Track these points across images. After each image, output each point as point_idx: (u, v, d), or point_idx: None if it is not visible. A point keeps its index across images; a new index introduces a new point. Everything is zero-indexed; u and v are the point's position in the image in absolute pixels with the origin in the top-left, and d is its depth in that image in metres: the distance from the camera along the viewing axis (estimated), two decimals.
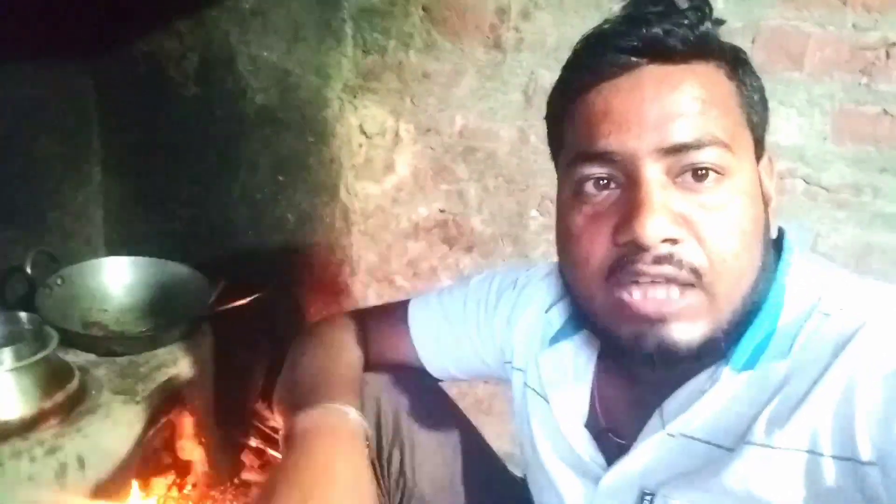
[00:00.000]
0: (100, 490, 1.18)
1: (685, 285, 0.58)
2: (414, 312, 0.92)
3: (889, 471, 0.53)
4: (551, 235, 1.38)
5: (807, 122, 1.20)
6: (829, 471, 0.56)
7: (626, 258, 0.59)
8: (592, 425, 0.73)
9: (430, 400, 0.94)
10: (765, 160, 0.66)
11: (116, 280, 1.52)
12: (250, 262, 1.66)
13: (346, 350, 0.91)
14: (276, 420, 1.54)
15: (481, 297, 0.89)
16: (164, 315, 1.46)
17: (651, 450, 0.66)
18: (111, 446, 1.19)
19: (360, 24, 1.42)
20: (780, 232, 0.68)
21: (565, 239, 0.65)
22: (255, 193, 1.63)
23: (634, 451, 0.67)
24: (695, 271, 0.58)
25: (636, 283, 0.59)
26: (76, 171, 1.70)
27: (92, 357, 1.31)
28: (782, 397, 0.60)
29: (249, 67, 1.54)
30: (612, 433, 0.72)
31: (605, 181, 0.61)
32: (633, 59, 0.60)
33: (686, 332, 0.58)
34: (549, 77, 1.28)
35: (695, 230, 0.58)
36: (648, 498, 0.66)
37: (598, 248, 0.61)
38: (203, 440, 1.41)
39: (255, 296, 1.43)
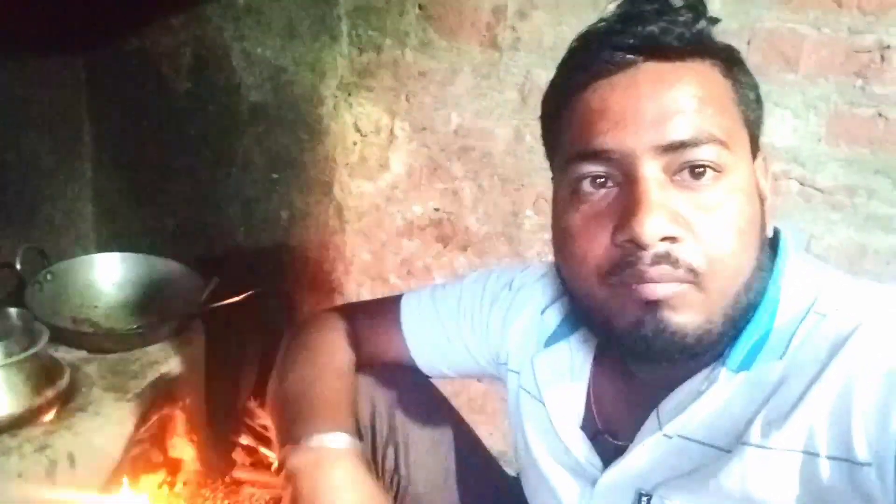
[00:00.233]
0: (90, 488, 1.17)
1: (682, 281, 0.58)
2: (406, 310, 0.92)
3: (884, 471, 0.53)
4: (546, 235, 1.38)
5: (802, 124, 1.21)
6: (825, 471, 0.56)
7: (625, 258, 0.59)
8: (588, 427, 0.73)
9: (425, 399, 0.94)
10: (760, 159, 0.66)
11: (107, 276, 1.51)
12: (243, 259, 1.65)
13: (336, 354, 0.90)
14: (268, 421, 1.55)
15: (475, 296, 0.88)
16: (155, 312, 1.45)
17: (648, 451, 0.66)
18: (102, 444, 1.18)
19: (356, 21, 1.42)
20: (776, 232, 0.68)
21: (563, 238, 0.65)
22: (249, 190, 1.62)
23: (631, 452, 0.67)
24: (692, 271, 0.58)
25: (636, 281, 0.59)
26: (67, 166, 1.69)
27: (82, 354, 1.30)
28: (778, 398, 0.60)
29: (243, 64, 1.53)
30: (608, 434, 0.72)
31: (603, 180, 0.61)
32: (630, 56, 0.60)
33: (680, 320, 0.59)
34: (545, 76, 1.28)
35: (692, 229, 0.58)
36: (645, 499, 0.66)
37: (596, 248, 0.61)
38: (194, 438, 1.41)
39: (248, 293, 1.42)
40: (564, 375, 0.76)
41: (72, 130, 1.69)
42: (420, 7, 1.37)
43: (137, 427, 1.24)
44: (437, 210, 1.49)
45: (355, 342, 0.92)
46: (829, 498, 0.56)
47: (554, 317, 0.79)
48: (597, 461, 0.71)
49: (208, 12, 1.52)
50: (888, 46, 1.13)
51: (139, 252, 1.54)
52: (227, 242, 1.67)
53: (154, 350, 1.34)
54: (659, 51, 0.60)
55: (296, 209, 1.60)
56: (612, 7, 0.63)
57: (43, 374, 1.15)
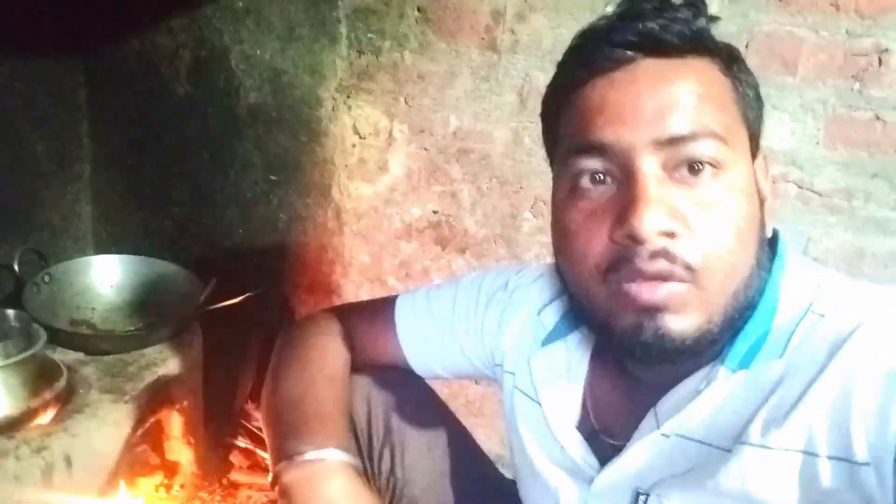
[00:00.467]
0: (87, 490, 1.17)
1: (679, 280, 0.58)
2: (400, 311, 0.92)
3: (883, 472, 0.53)
4: (544, 237, 1.38)
5: (800, 127, 1.21)
6: (824, 471, 0.56)
7: (624, 254, 0.59)
8: (584, 427, 0.73)
9: (421, 401, 0.94)
10: (760, 159, 0.66)
11: (105, 278, 1.51)
12: (241, 261, 1.65)
13: (329, 359, 0.89)
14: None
15: (471, 297, 0.88)
16: (153, 314, 1.45)
17: (646, 450, 0.66)
18: (99, 446, 1.18)
19: (355, 23, 1.42)
20: (775, 233, 0.68)
21: (562, 236, 0.65)
22: (247, 192, 1.62)
23: (628, 451, 0.67)
24: (688, 267, 0.58)
25: (634, 279, 0.59)
26: (66, 168, 1.69)
27: (80, 356, 1.30)
28: (778, 397, 0.60)
29: (242, 66, 1.53)
30: (605, 434, 0.72)
31: (601, 175, 0.61)
32: (629, 53, 0.60)
33: (680, 322, 0.58)
34: (543, 79, 1.28)
35: (690, 225, 0.58)
36: (643, 498, 0.66)
37: (595, 245, 0.61)
38: (191, 440, 1.41)
39: (246, 295, 1.42)
40: (561, 375, 0.75)
41: (70, 132, 1.69)
42: (419, 10, 1.38)
43: (134, 429, 1.24)
44: (435, 212, 1.49)
45: (350, 344, 0.92)
46: (828, 498, 0.56)
47: (551, 317, 0.79)
48: (593, 461, 0.71)
49: (207, 14, 1.52)
50: (886, 50, 1.13)
51: (137, 254, 1.55)
52: (226, 244, 1.67)
53: (152, 352, 1.34)
54: (658, 48, 0.60)
55: (294, 211, 1.59)
56: (610, 8, 0.64)
57: (40, 375, 1.15)
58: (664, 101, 0.59)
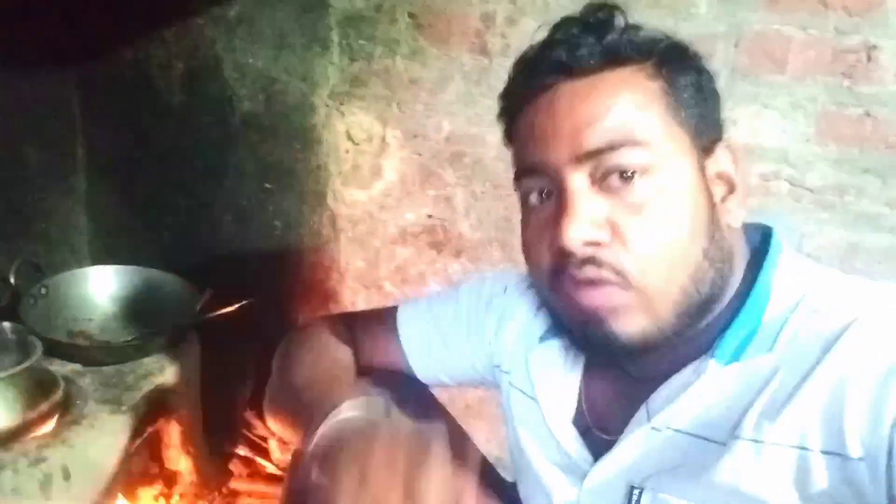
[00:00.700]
0: (85, 501, 1.16)
1: (611, 283, 0.61)
2: (403, 319, 0.92)
3: (876, 467, 0.53)
4: None
5: (790, 125, 1.21)
6: (818, 466, 0.56)
7: (561, 264, 0.63)
8: (579, 422, 0.73)
9: (421, 404, 0.94)
10: (720, 150, 0.67)
11: (102, 289, 1.51)
12: (237, 269, 1.65)
13: (338, 354, 0.90)
14: (265, 429, 1.55)
15: (472, 302, 0.89)
16: (150, 324, 1.45)
17: (637, 444, 0.66)
18: (97, 457, 1.18)
19: (347, 30, 1.42)
20: (768, 228, 0.69)
21: (523, 248, 0.70)
22: (242, 201, 1.62)
23: (620, 446, 0.67)
24: (619, 273, 0.60)
25: (574, 286, 0.62)
26: (61, 179, 1.69)
27: (77, 367, 1.30)
28: (771, 392, 0.60)
29: (235, 75, 1.53)
30: (599, 430, 0.72)
31: (546, 192, 0.65)
32: (548, 80, 0.64)
33: (623, 327, 0.61)
34: None
35: (619, 232, 0.61)
36: (637, 493, 0.66)
37: (543, 257, 0.65)
38: (190, 450, 1.40)
39: (243, 303, 1.42)
40: (557, 371, 0.76)
41: (65, 144, 1.69)
42: (410, 16, 1.38)
43: (133, 439, 1.24)
44: (430, 217, 1.49)
45: (353, 348, 0.92)
46: (822, 493, 0.56)
47: (547, 315, 0.80)
48: (588, 456, 0.71)
49: (200, 24, 1.53)
50: (874, 46, 1.14)
51: (134, 264, 1.54)
52: (222, 253, 1.67)
53: (149, 362, 1.34)
54: (572, 70, 0.63)
55: (289, 218, 1.60)
56: (537, 36, 0.68)
57: (37, 387, 1.14)
58: (579, 118, 0.62)
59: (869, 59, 1.14)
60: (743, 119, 1.22)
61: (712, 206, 0.64)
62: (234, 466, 1.54)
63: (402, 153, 1.47)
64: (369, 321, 0.95)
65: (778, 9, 1.17)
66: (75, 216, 1.74)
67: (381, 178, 1.50)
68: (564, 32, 0.64)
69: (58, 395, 1.16)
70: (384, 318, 0.93)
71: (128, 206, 1.74)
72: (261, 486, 1.50)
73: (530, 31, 1.34)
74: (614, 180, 0.61)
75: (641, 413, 0.66)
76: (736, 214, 0.66)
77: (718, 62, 1.20)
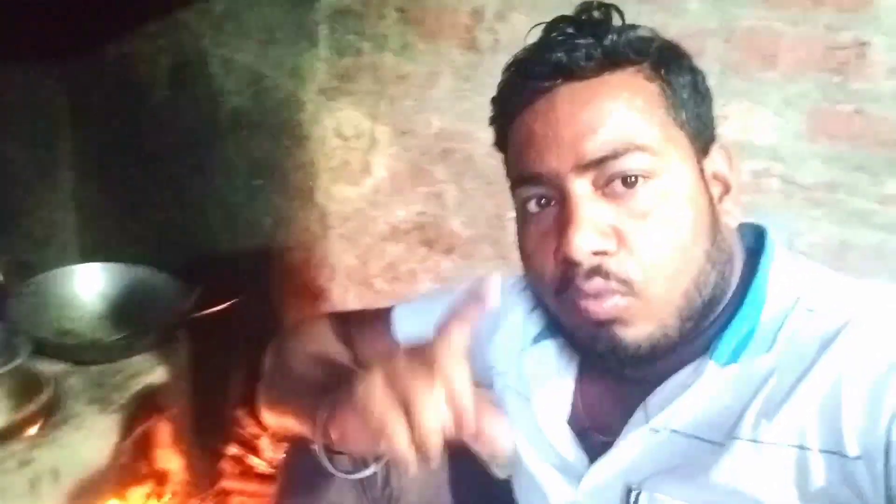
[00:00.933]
0: (75, 502, 1.16)
1: (619, 295, 0.60)
2: (400, 319, 0.90)
3: (874, 465, 0.54)
4: None
5: (782, 121, 1.21)
6: (817, 466, 0.57)
7: (568, 274, 0.62)
8: (574, 423, 0.73)
9: None
10: (715, 150, 0.66)
11: (90, 287, 1.49)
12: (226, 267, 1.64)
13: (337, 346, 0.89)
14: (256, 427, 1.54)
15: None
16: (138, 322, 1.44)
17: (635, 445, 0.66)
18: (86, 457, 1.17)
19: (335, 25, 1.41)
20: (762, 228, 0.69)
21: (522, 256, 0.68)
22: (230, 197, 1.61)
23: (618, 447, 0.67)
24: (625, 282, 0.60)
25: (580, 297, 0.61)
26: (48, 176, 1.68)
27: (65, 366, 1.29)
28: (768, 392, 0.60)
29: (222, 70, 1.52)
30: (596, 431, 0.72)
31: (545, 199, 0.64)
32: (546, 83, 0.62)
33: (630, 334, 0.61)
34: None
35: (625, 240, 0.60)
36: (635, 494, 0.66)
37: (546, 266, 0.64)
38: (181, 449, 1.40)
39: (232, 301, 1.42)
40: (551, 372, 0.76)
41: (51, 140, 1.67)
42: (399, 11, 1.37)
43: (122, 439, 1.23)
44: (420, 213, 1.48)
45: (350, 347, 0.91)
46: (821, 492, 0.57)
47: (543, 315, 0.79)
48: (583, 458, 0.71)
49: (186, 19, 1.52)
50: (865, 43, 1.13)
51: (122, 262, 1.53)
52: (211, 250, 1.66)
53: (138, 360, 1.33)
54: (571, 73, 0.62)
55: (279, 215, 1.59)
56: (531, 36, 0.67)
57: (25, 387, 1.14)
58: (581, 124, 0.60)
59: (860, 55, 1.14)
60: (734, 116, 1.22)
61: (713, 208, 0.64)
62: (225, 465, 1.53)
63: (392, 149, 1.46)
64: (364, 321, 0.94)
65: (769, 5, 1.16)
66: (62, 213, 1.73)
67: (370, 174, 1.49)
68: (560, 33, 0.63)
69: (45, 395, 1.16)
70: (380, 318, 0.92)
71: (115, 203, 1.73)
72: (252, 485, 1.49)
73: (520, 27, 1.34)
74: (617, 186, 0.60)
75: (639, 414, 0.66)
76: (733, 214, 0.66)
77: (709, 58, 1.19)
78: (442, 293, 0.92)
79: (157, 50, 1.56)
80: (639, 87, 0.62)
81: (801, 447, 0.57)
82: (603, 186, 0.61)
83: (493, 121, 0.71)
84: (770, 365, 0.61)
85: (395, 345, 0.89)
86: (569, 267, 0.61)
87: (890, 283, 0.67)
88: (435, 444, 0.52)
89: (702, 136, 0.65)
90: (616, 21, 0.64)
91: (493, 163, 1.38)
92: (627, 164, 0.60)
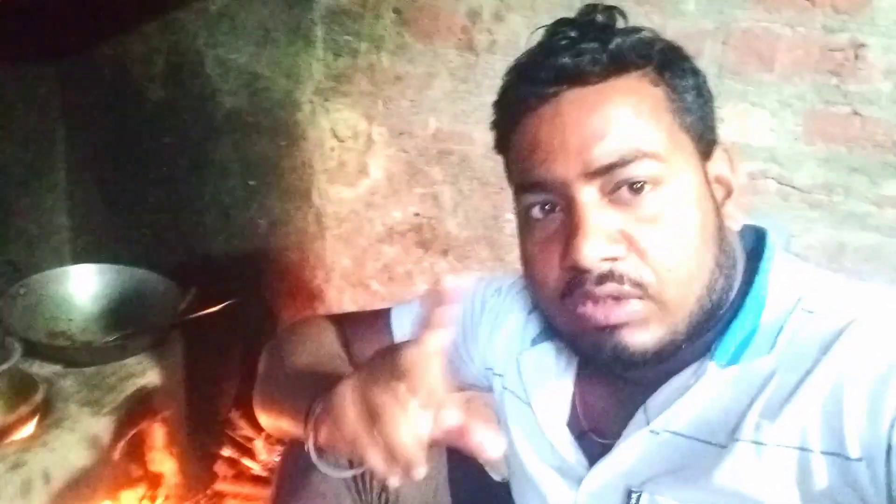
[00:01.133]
0: None
1: (633, 299, 0.60)
2: (397, 322, 0.90)
3: (875, 467, 0.54)
4: None
5: (778, 123, 1.21)
6: (818, 467, 0.56)
7: (575, 280, 0.61)
8: (574, 426, 0.73)
9: None
10: (718, 154, 0.66)
11: (83, 288, 1.49)
12: (221, 268, 1.64)
13: (334, 346, 0.88)
14: (251, 430, 1.54)
15: (466, 304, 0.87)
16: (132, 324, 1.43)
17: (635, 447, 0.66)
18: (78, 460, 1.17)
19: (331, 26, 1.41)
20: (762, 231, 0.69)
21: (524, 262, 0.68)
22: (226, 198, 1.61)
23: (618, 449, 0.67)
24: (639, 285, 0.59)
25: (587, 301, 0.61)
26: (41, 177, 1.67)
27: (58, 368, 1.28)
28: (770, 393, 0.60)
29: (218, 70, 1.52)
30: (595, 434, 0.71)
31: (549, 206, 0.63)
32: (551, 88, 0.61)
33: (638, 338, 0.60)
34: None
35: (635, 244, 0.59)
36: (635, 496, 0.66)
37: (550, 273, 0.63)
38: (174, 451, 1.39)
39: (227, 303, 1.41)
40: (550, 374, 0.75)
41: (45, 140, 1.66)
42: (395, 11, 1.37)
43: (115, 442, 1.23)
44: (416, 215, 1.48)
45: (347, 349, 0.91)
46: (823, 494, 0.56)
47: (540, 318, 0.79)
48: (583, 460, 0.71)
49: (182, 19, 1.51)
50: (862, 44, 1.14)
51: (115, 263, 1.52)
52: (205, 251, 1.65)
53: (131, 362, 1.32)
54: (577, 78, 0.61)
55: (274, 216, 1.58)
56: (533, 39, 0.66)
57: (16, 389, 1.14)
58: (588, 131, 0.60)
59: (857, 57, 1.14)
60: (731, 118, 1.22)
61: (718, 212, 0.64)
62: (219, 468, 1.53)
63: (388, 150, 1.45)
64: (361, 323, 0.94)
65: (765, 6, 1.17)
66: (55, 214, 1.72)
67: (367, 175, 1.49)
68: (563, 36, 0.62)
69: (38, 398, 1.15)
70: (378, 320, 0.91)
71: (109, 204, 1.72)
72: (246, 488, 1.49)
73: (517, 28, 1.34)
74: (624, 192, 0.60)
75: (639, 416, 0.66)
76: (735, 218, 0.66)
77: (706, 60, 1.20)
78: None
79: (153, 50, 1.56)
80: (645, 91, 0.62)
81: (803, 449, 0.57)
82: (610, 193, 0.60)
83: (495, 125, 0.70)
84: (771, 366, 0.61)
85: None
86: (576, 273, 0.60)
87: (887, 284, 0.67)
88: (410, 458, 0.51)
89: (705, 139, 0.65)
90: (619, 24, 0.64)
91: (490, 164, 1.39)
92: (635, 170, 0.59)
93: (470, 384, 0.91)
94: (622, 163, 0.59)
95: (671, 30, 1.17)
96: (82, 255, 1.72)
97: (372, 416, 0.52)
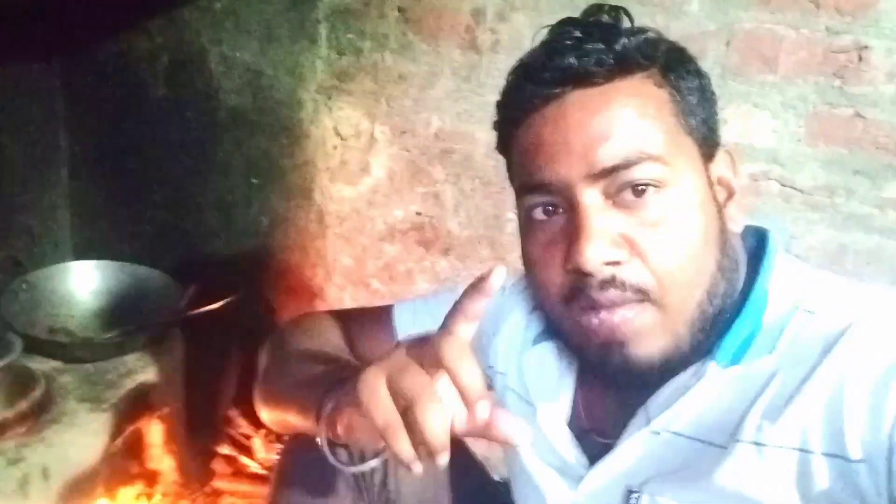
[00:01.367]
0: (65, 502, 1.14)
1: (635, 304, 0.59)
2: (399, 319, 0.89)
3: (877, 469, 0.54)
4: None
5: (781, 125, 1.21)
6: (820, 469, 0.56)
7: (577, 284, 0.60)
8: (575, 426, 0.73)
9: None
10: (720, 155, 0.66)
11: (84, 285, 1.49)
12: (222, 265, 1.64)
13: (337, 340, 0.88)
14: (249, 427, 1.54)
15: None
16: (132, 320, 1.43)
17: (636, 448, 0.66)
18: (77, 456, 1.17)
19: (335, 24, 1.41)
20: (763, 231, 0.68)
21: (526, 263, 0.67)
22: (228, 196, 1.61)
23: (618, 449, 0.67)
24: (640, 290, 0.59)
25: (591, 308, 0.60)
26: (43, 173, 1.67)
27: (58, 364, 1.29)
28: (771, 394, 0.60)
29: (221, 68, 1.52)
30: (596, 433, 0.71)
31: (552, 207, 0.63)
32: (556, 89, 0.61)
33: (644, 350, 0.60)
34: None
35: (637, 248, 0.59)
36: (635, 496, 0.66)
37: (553, 276, 0.62)
38: (173, 448, 1.39)
39: (227, 300, 1.41)
40: (552, 374, 0.75)
41: (48, 137, 1.67)
42: (399, 10, 1.37)
43: (114, 438, 1.23)
44: (418, 214, 1.48)
45: (349, 345, 0.90)
46: (823, 495, 0.56)
47: (543, 316, 0.79)
48: (584, 460, 0.70)
49: (185, 16, 1.51)
50: (865, 46, 1.13)
51: (116, 260, 1.53)
52: (207, 249, 1.65)
53: (131, 359, 1.33)
54: (582, 78, 0.60)
55: (276, 214, 1.58)
56: (538, 38, 0.65)
57: (16, 385, 1.14)
58: (593, 133, 0.59)
59: (860, 59, 1.14)
60: (733, 119, 1.22)
61: (721, 215, 0.63)
62: (217, 465, 1.53)
63: (391, 149, 1.45)
64: (363, 319, 0.93)
65: (769, 8, 1.17)
66: (57, 210, 1.72)
67: (369, 174, 1.49)
68: (568, 36, 0.61)
69: (37, 393, 1.15)
70: (379, 317, 0.91)
71: (111, 201, 1.72)
72: (244, 485, 1.49)
73: (521, 28, 1.34)
74: (627, 195, 0.59)
75: (640, 416, 0.66)
76: (736, 220, 0.66)
77: (709, 61, 1.19)
78: (442, 292, 0.92)
79: (156, 47, 1.56)
80: (649, 93, 0.61)
81: (803, 450, 0.57)
82: (613, 195, 0.60)
83: (497, 125, 0.70)
84: (772, 367, 0.60)
85: (393, 343, 0.88)
86: (579, 277, 0.60)
87: (888, 286, 0.67)
88: (440, 444, 0.51)
89: (708, 142, 0.64)
90: (625, 25, 0.64)
91: (492, 164, 1.39)
92: (639, 173, 0.59)
93: None
94: (626, 165, 0.59)
95: (674, 31, 1.17)
96: (83, 252, 1.72)
97: (406, 402, 0.52)
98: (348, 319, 0.93)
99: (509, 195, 1.43)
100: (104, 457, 1.21)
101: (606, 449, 0.69)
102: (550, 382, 0.75)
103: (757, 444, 0.59)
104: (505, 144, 0.69)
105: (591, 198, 0.59)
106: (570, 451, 0.71)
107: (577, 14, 0.65)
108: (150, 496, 1.37)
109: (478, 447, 1.02)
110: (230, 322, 1.49)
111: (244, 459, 1.53)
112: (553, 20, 1.27)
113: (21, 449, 1.08)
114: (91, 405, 1.20)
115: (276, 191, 1.56)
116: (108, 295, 1.49)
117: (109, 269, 1.51)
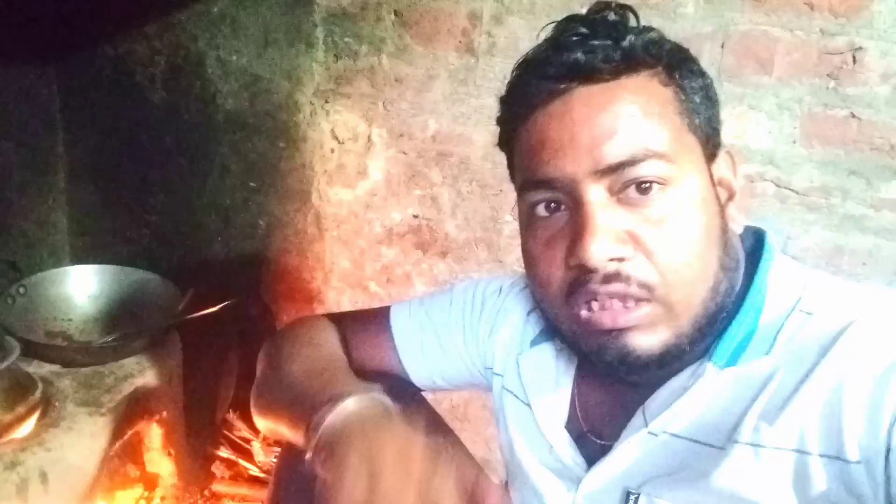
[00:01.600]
0: None
1: (639, 299, 0.59)
2: (396, 320, 0.90)
3: (874, 470, 0.54)
4: None
5: (776, 126, 1.21)
6: (816, 470, 0.56)
7: (580, 279, 0.60)
8: (573, 427, 0.73)
9: (415, 408, 0.92)
10: (721, 156, 0.66)
11: (81, 289, 1.49)
12: (220, 269, 1.64)
13: (333, 347, 0.88)
14: (248, 431, 1.53)
15: (466, 303, 0.87)
16: (130, 324, 1.43)
17: (634, 449, 0.66)
18: (75, 460, 1.16)
19: (332, 28, 1.41)
20: (761, 232, 0.69)
21: (527, 261, 0.67)
22: (226, 199, 1.61)
23: (616, 451, 0.67)
24: (645, 286, 0.59)
25: (592, 300, 0.60)
26: (40, 177, 1.67)
27: (56, 368, 1.28)
28: (768, 395, 0.60)
29: (218, 72, 1.52)
30: (594, 435, 0.71)
31: (555, 204, 0.63)
32: (562, 85, 0.61)
33: (645, 341, 0.60)
34: None
35: (642, 245, 0.59)
36: (633, 498, 0.66)
37: (554, 271, 0.62)
38: (172, 451, 1.39)
39: (225, 303, 1.41)
40: (549, 375, 0.75)
41: (45, 141, 1.67)
42: (396, 14, 1.37)
43: (112, 442, 1.22)
44: (415, 217, 1.48)
45: (346, 349, 0.90)
46: (821, 496, 0.56)
47: (541, 317, 0.79)
48: (582, 461, 0.70)
49: (182, 20, 1.51)
50: (859, 48, 1.14)
51: (114, 263, 1.52)
52: (205, 252, 1.65)
53: (129, 363, 1.32)
54: (589, 74, 0.60)
55: (274, 217, 1.58)
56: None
57: (14, 389, 1.13)
58: (599, 129, 0.59)
59: (854, 60, 1.15)
60: (729, 120, 1.22)
61: (723, 214, 0.64)
62: (216, 469, 1.53)
63: (388, 152, 1.46)
64: (360, 322, 0.93)
65: (764, 10, 1.17)
66: (55, 214, 1.72)
67: (366, 177, 1.49)
68: (574, 33, 0.61)
69: (35, 397, 1.15)
70: (377, 319, 0.91)
71: (108, 205, 1.72)
72: (243, 489, 1.49)
73: (517, 31, 1.34)
74: (632, 192, 0.59)
75: (638, 418, 0.66)
76: (737, 220, 0.66)
77: (705, 63, 1.19)
78: (439, 294, 0.92)
79: (153, 51, 1.56)
80: (655, 91, 0.62)
81: (801, 451, 0.57)
82: (617, 192, 0.60)
83: (501, 121, 0.70)
84: (769, 368, 0.61)
85: (391, 345, 0.89)
86: (582, 273, 0.60)
87: (885, 286, 0.67)
88: None
89: (711, 142, 0.65)
90: (632, 23, 0.64)
91: (489, 166, 1.39)
92: (644, 170, 0.59)
93: (471, 385, 0.91)
94: (631, 162, 0.59)
95: (670, 33, 1.16)
96: (81, 256, 1.73)
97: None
98: (345, 322, 0.93)
99: (506, 198, 1.44)
100: (103, 461, 1.21)
101: (604, 451, 0.69)
102: (548, 384, 0.75)
103: (754, 445, 0.59)
104: (507, 141, 0.69)
105: (595, 194, 0.59)
106: (568, 452, 0.71)
107: None
108: (149, 500, 1.37)
109: (477, 450, 1.02)
110: (228, 325, 1.49)
111: (243, 463, 1.53)
112: (548, 23, 1.27)
113: (19, 453, 1.08)
114: (89, 409, 1.20)
115: (273, 194, 1.57)
116: (105, 299, 1.49)
117: (107, 273, 1.51)
